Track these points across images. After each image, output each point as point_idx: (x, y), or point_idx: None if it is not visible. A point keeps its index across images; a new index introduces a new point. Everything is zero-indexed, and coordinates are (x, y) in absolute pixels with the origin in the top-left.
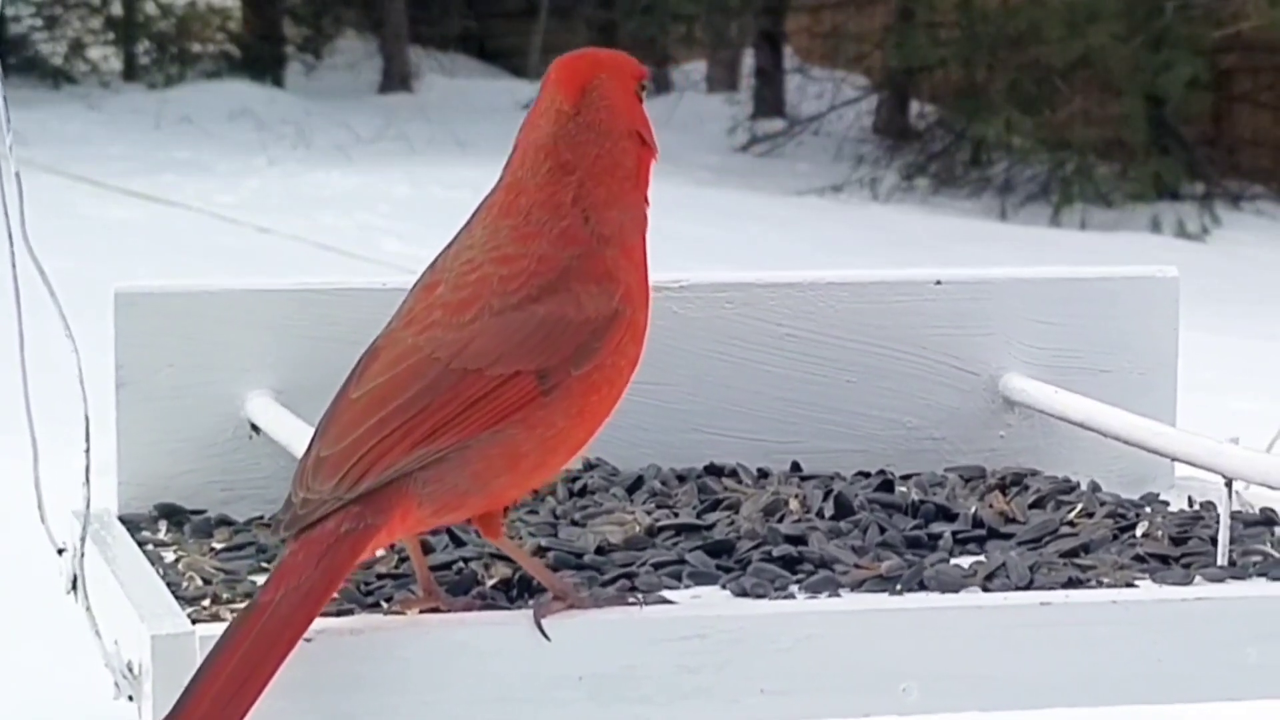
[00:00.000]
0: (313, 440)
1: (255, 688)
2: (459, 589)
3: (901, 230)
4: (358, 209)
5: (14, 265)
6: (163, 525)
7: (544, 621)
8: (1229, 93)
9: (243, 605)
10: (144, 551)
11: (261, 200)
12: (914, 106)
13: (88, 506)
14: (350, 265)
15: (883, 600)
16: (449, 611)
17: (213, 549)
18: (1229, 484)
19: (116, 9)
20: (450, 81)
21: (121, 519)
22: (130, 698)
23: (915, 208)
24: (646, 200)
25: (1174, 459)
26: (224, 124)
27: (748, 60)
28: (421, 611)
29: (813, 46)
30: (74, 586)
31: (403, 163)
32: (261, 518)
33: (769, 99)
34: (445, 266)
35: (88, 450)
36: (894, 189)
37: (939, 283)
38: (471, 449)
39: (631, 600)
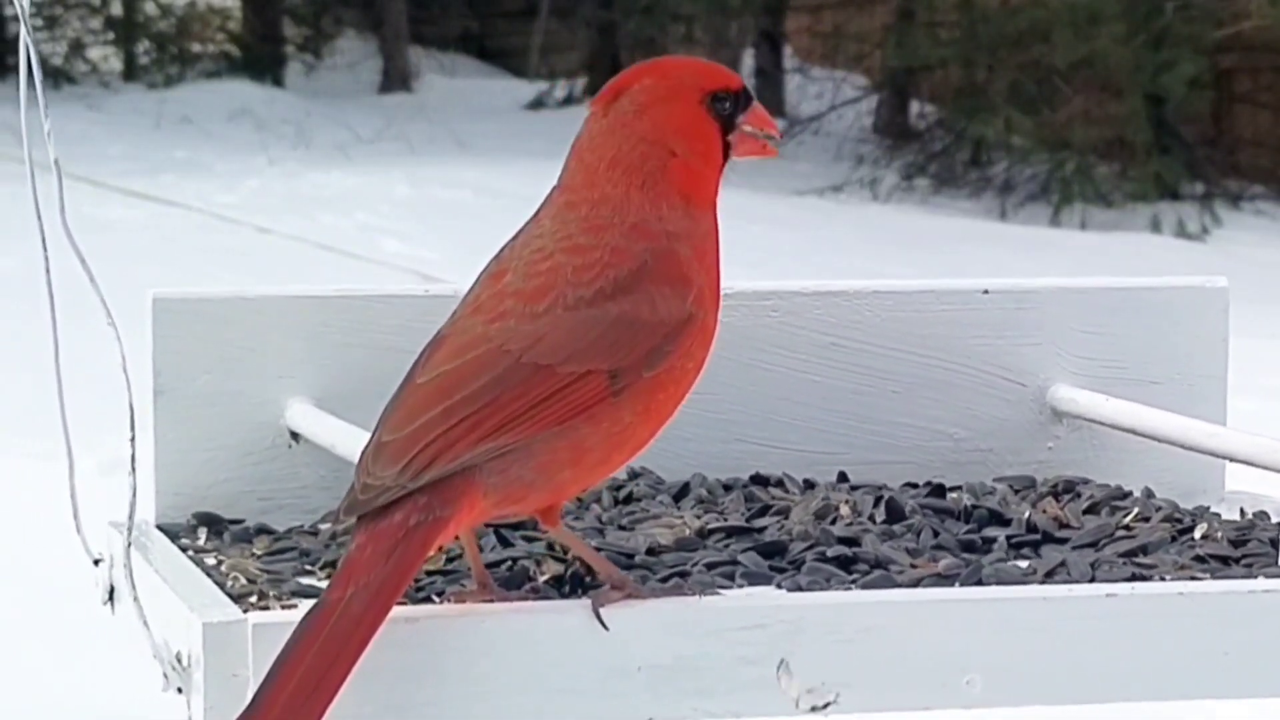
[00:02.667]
0: (376, 426)
1: (328, 691)
2: (511, 584)
3: (901, 230)
4: (358, 209)
5: (48, 272)
6: (202, 533)
7: (602, 611)
8: (1229, 93)
9: (290, 603)
10: (185, 556)
11: (261, 200)
12: (914, 106)
13: (134, 496)
14: (350, 265)
15: (946, 591)
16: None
17: (254, 554)
18: None
19: (116, 9)
20: (450, 81)
21: (159, 527)
22: (179, 689)
23: (915, 208)
24: (712, 207)
25: (1231, 459)
26: (224, 124)
27: (748, 60)
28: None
29: (813, 46)
30: (110, 598)
31: (403, 163)
32: (301, 527)
33: (769, 99)
34: (513, 255)
35: (133, 440)
36: (894, 189)
37: (986, 292)
38: (537, 442)
39: (689, 591)
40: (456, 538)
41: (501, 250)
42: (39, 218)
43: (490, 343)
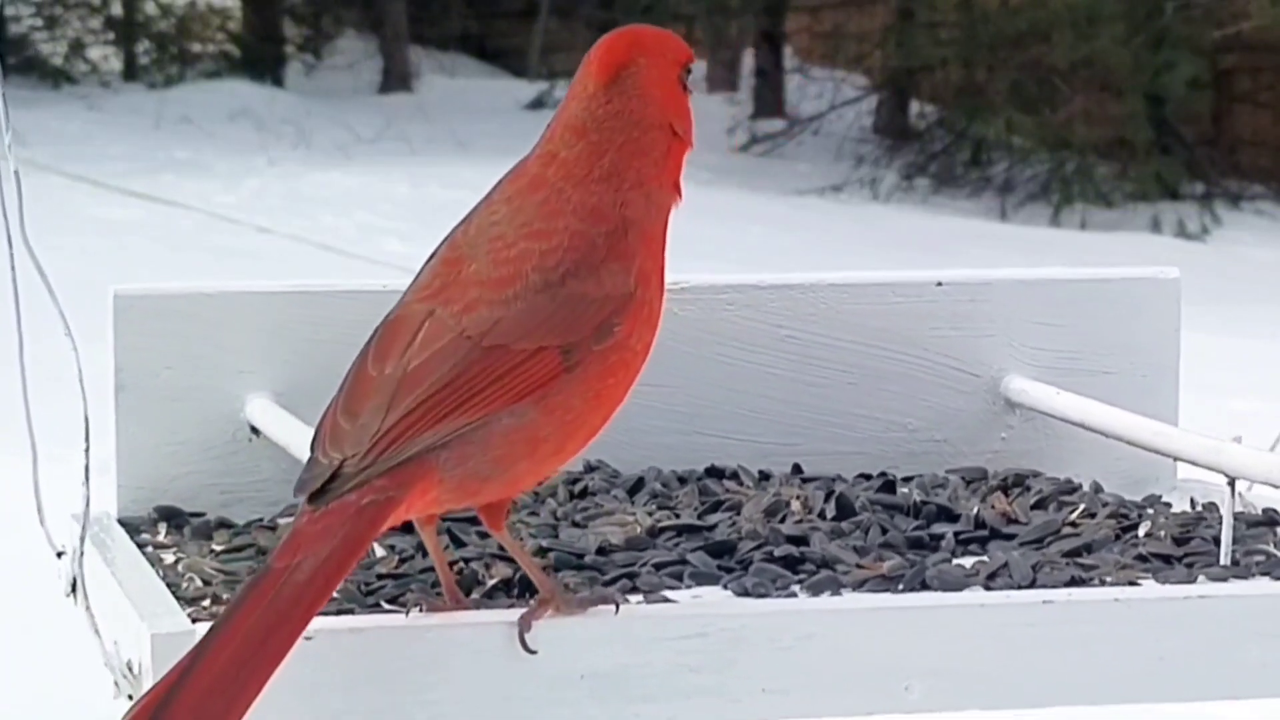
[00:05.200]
0: (333, 408)
1: (270, 660)
2: (460, 588)
3: (901, 230)
4: (358, 209)
5: (13, 268)
6: (162, 528)
7: (535, 624)
8: (1229, 93)
9: None
10: (144, 554)
11: (261, 200)
12: (914, 106)
13: (87, 506)
14: (350, 265)
15: (885, 599)
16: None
17: (213, 551)
18: (1232, 483)
19: (116, 9)
20: (450, 81)
21: (121, 521)
22: (130, 697)
23: (915, 208)
24: (678, 190)
25: (1176, 459)
26: (224, 124)
27: (748, 60)
28: None
29: (813, 46)
30: (73, 589)
31: (403, 163)
32: (261, 520)
33: (769, 99)
34: (470, 241)
35: (87, 450)
36: (894, 189)
37: (940, 284)
38: (494, 432)
39: (611, 599)
40: (406, 527)
41: (454, 232)
42: (4, 218)
43: (455, 332)
